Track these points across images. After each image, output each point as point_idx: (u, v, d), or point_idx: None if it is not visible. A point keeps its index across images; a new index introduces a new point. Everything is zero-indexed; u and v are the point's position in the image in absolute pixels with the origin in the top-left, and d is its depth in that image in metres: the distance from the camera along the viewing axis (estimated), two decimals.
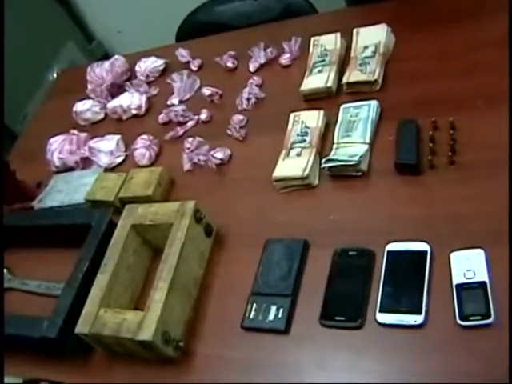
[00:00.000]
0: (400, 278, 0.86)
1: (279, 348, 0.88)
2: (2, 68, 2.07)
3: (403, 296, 0.84)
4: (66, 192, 1.28)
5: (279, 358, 0.87)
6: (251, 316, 0.92)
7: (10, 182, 1.27)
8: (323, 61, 1.23)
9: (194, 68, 1.46)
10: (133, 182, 1.20)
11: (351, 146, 1.05)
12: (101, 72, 1.52)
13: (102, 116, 1.49)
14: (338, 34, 1.25)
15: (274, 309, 0.91)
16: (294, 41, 1.32)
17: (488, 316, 0.77)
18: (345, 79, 1.16)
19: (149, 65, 1.51)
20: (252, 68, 1.36)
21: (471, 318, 0.77)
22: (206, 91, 1.35)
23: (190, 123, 1.32)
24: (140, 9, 2.44)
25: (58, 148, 1.38)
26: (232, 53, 1.41)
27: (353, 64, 1.18)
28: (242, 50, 1.39)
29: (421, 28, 1.21)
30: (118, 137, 1.36)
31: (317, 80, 1.20)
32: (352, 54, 1.21)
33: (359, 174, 1.02)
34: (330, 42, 1.25)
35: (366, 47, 1.20)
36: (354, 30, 1.24)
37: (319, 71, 1.21)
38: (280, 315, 0.90)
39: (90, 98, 1.51)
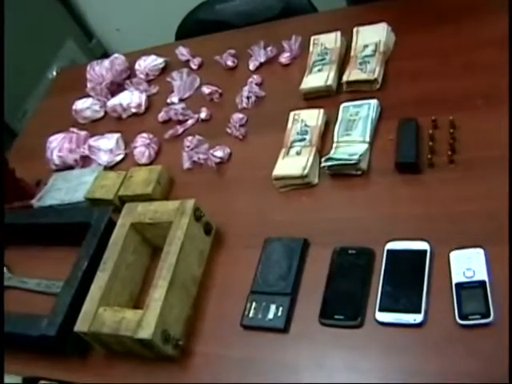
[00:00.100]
0: (399, 276, 0.86)
1: (278, 347, 0.88)
2: (2, 66, 2.07)
3: (403, 295, 0.84)
4: (65, 190, 1.28)
5: (278, 356, 0.87)
6: (250, 314, 0.92)
7: (9, 180, 1.27)
8: (323, 59, 1.23)
9: (194, 66, 1.46)
10: (132, 181, 1.20)
11: (351, 144, 1.05)
12: (100, 70, 1.51)
13: (101, 114, 1.49)
14: (338, 33, 1.25)
15: (273, 307, 0.91)
16: (294, 39, 1.31)
17: (487, 315, 0.77)
18: (345, 78, 1.16)
19: (149, 63, 1.51)
20: (252, 67, 1.36)
21: (471, 317, 0.77)
22: (206, 90, 1.35)
23: (190, 122, 1.32)
24: (140, 7, 2.44)
25: (58, 146, 1.38)
26: (232, 51, 1.41)
27: (353, 63, 1.18)
28: (242, 48, 1.39)
29: (421, 27, 1.21)
30: (117, 135, 1.36)
31: (317, 79, 1.20)
32: (352, 53, 1.21)
33: (359, 172, 1.02)
34: (330, 40, 1.25)
35: (366, 46, 1.20)
36: (354, 29, 1.24)
37: (319, 70, 1.21)
38: (279, 314, 0.90)
39: (89, 96, 1.50)
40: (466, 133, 0.99)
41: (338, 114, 1.11)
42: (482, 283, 0.80)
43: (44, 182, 1.34)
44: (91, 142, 1.36)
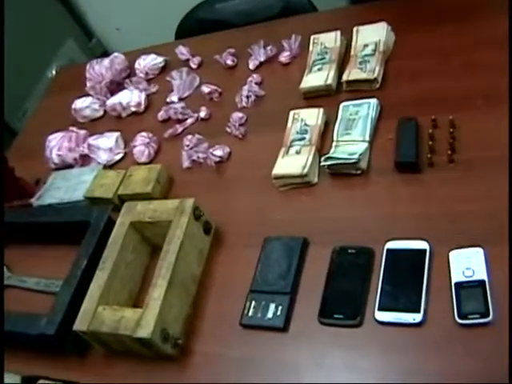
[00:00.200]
0: (399, 276, 0.86)
1: (278, 346, 0.88)
2: (2, 65, 2.06)
3: (402, 294, 0.84)
4: (64, 189, 1.28)
5: (278, 355, 0.87)
6: (250, 313, 0.92)
7: (8, 178, 1.27)
8: (323, 59, 1.23)
9: (194, 66, 1.46)
10: (132, 180, 1.20)
11: (351, 144, 1.05)
12: (100, 69, 1.51)
13: (101, 113, 1.49)
14: (338, 32, 1.25)
15: (272, 306, 0.91)
16: (294, 39, 1.31)
17: (487, 315, 0.77)
18: (344, 77, 1.16)
19: (148, 62, 1.51)
20: (252, 66, 1.36)
21: (470, 317, 0.77)
22: (206, 89, 1.35)
23: (190, 121, 1.32)
24: (140, 6, 2.44)
25: (57, 145, 1.38)
26: (232, 50, 1.41)
27: (353, 62, 1.18)
28: (242, 47, 1.39)
29: (421, 26, 1.21)
30: (117, 134, 1.35)
31: (316, 78, 1.20)
32: (352, 52, 1.21)
33: (359, 172, 1.02)
34: (330, 40, 1.25)
35: (365, 45, 1.20)
36: (354, 28, 1.24)
37: (319, 69, 1.21)
38: (279, 313, 0.90)
39: (89, 95, 1.50)
40: (465, 132, 0.99)
41: (337, 113, 1.11)
42: (481, 283, 0.80)
43: (43, 181, 1.34)
44: (91, 140, 1.36)
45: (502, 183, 0.88)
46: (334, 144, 1.07)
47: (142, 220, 1.04)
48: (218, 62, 1.40)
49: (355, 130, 1.07)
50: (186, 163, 1.22)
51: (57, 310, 0.98)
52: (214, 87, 1.34)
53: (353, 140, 1.06)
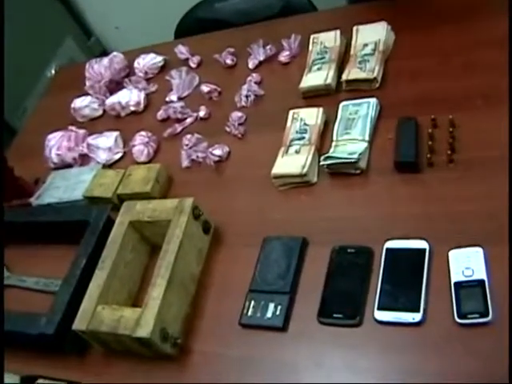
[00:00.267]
0: (398, 275, 0.86)
1: (277, 345, 0.88)
2: (2, 65, 2.06)
3: (401, 294, 0.84)
4: (64, 189, 1.28)
5: (277, 355, 0.87)
6: (249, 313, 0.91)
7: (8, 178, 1.27)
8: (322, 58, 1.23)
9: (193, 65, 1.46)
10: (131, 179, 1.20)
11: (350, 143, 1.05)
12: (99, 68, 1.51)
13: (100, 112, 1.49)
14: (338, 32, 1.25)
15: (272, 306, 0.90)
16: (294, 38, 1.31)
17: (486, 314, 0.77)
18: (344, 77, 1.16)
19: (147, 61, 1.50)
20: (251, 65, 1.35)
21: (469, 316, 0.77)
22: (205, 88, 1.34)
23: (189, 120, 1.32)
24: (139, 5, 2.44)
25: (56, 144, 1.38)
26: (231, 50, 1.41)
27: (352, 62, 1.18)
28: (241, 47, 1.39)
29: (421, 26, 1.21)
30: (116, 133, 1.35)
31: (316, 77, 1.20)
32: (351, 52, 1.21)
33: (358, 171, 1.02)
34: (330, 39, 1.25)
35: (365, 45, 1.20)
36: (354, 28, 1.24)
37: (318, 69, 1.21)
38: (278, 312, 0.89)
39: (88, 94, 1.50)
40: (465, 132, 0.98)
41: (337, 112, 1.11)
42: (480, 282, 0.80)
43: (42, 180, 1.34)
44: (90, 140, 1.35)
45: (501, 183, 0.88)
46: (333, 143, 1.07)
47: (141, 219, 1.04)
48: (218, 61, 1.40)
49: (355, 130, 1.07)
50: (185, 163, 1.22)
51: (56, 309, 0.98)
52: (213, 86, 1.34)
53: (352, 139, 1.05)
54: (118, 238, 1.02)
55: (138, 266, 1.06)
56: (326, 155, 1.04)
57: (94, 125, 1.46)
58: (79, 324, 0.93)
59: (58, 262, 1.09)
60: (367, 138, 1.05)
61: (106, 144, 1.33)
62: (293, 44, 1.31)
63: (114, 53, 1.55)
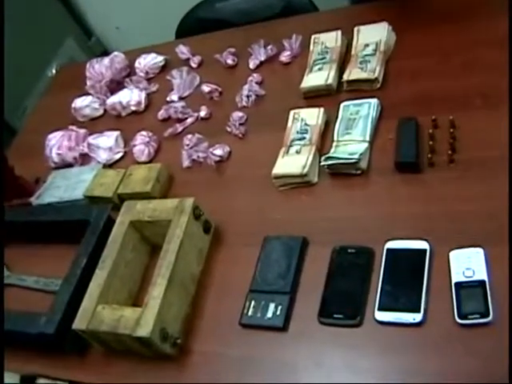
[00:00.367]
0: (399, 276, 0.86)
1: (277, 345, 0.88)
2: (2, 64, 2.06)
3: (402, 294, 0.84)
4: (64, 188, 1.28)
5: (277, 355, 0.87)
6: (249, 313, 0.91)
7: (8, 177, 1.27)
8: (323, 58, 1.23)
9: (194, 65, 1.46)
10: (132, 179, 1.20)
11: (351, 143, 1.05)
12: (100, 68, 1.51)
13: (101, 112, 1.49)
14: (339, 32, 1.25)
15: (272, 306, 0.90)
16: (295, 38, 1.31)
17: (487, 315, 0.77)
18: (345, 77, 1.16)
19: (148, 61, 1.50)
20: (252, 65, 1.35)
21: (470, 317, 0.77)
22: (206, 88, 1.34)
23: (190, 120, 1.32)
24: (140, 5, 2.43)
25: (57, 144, 1.38)
26: (232, 50, 1.41)
27: (353, 62, 1.18)
28: (242, 47, 1.39)
29: (421, 26, 1.21)
30: (117, 133, 1.35)
31: (317, 77, 1.20)
32: (353, 52, 1.21)
33: (359, 172, 1.02)
34: (331, 39, 1.25)
35: (366, 45, 1.20)
36: (355, 28, 1.24)
37: (319, 69, 1.21)
38: (278, 312, 0.89)
39: (89, 94, 1.50)
40: (465, 132, 0.98)
41: (338, 112, 1.11)
42: (481, 283, 0.80)
43: (43, 180, 1.34)
44: (90, 139, 1.35)
45: (501, 183, 0.88)
46: (334, 144, 1.07)
47: (141, 219, 1.04)
48: (219, 61, 1.40)
49: (355, 130, 1.06)
50: (185, 162, 1.22)
51: (56, 308, 0.98)
52: (214, 86, 1.34)
53: (353, 140, 1.05)
54: (118, 238, 1.02)
55: (139, 266, 1.06)
56: (327, 155, 1.04)
57: (95, 124, 1.46)
58: (79, 323, 0.93)
59: (58, 261, 1.09)
60: (368, 138, 1.05)
61: (106, 144, 1.33)
62: (294, 44, 1.31)
63: (115, 52, 1.55)
